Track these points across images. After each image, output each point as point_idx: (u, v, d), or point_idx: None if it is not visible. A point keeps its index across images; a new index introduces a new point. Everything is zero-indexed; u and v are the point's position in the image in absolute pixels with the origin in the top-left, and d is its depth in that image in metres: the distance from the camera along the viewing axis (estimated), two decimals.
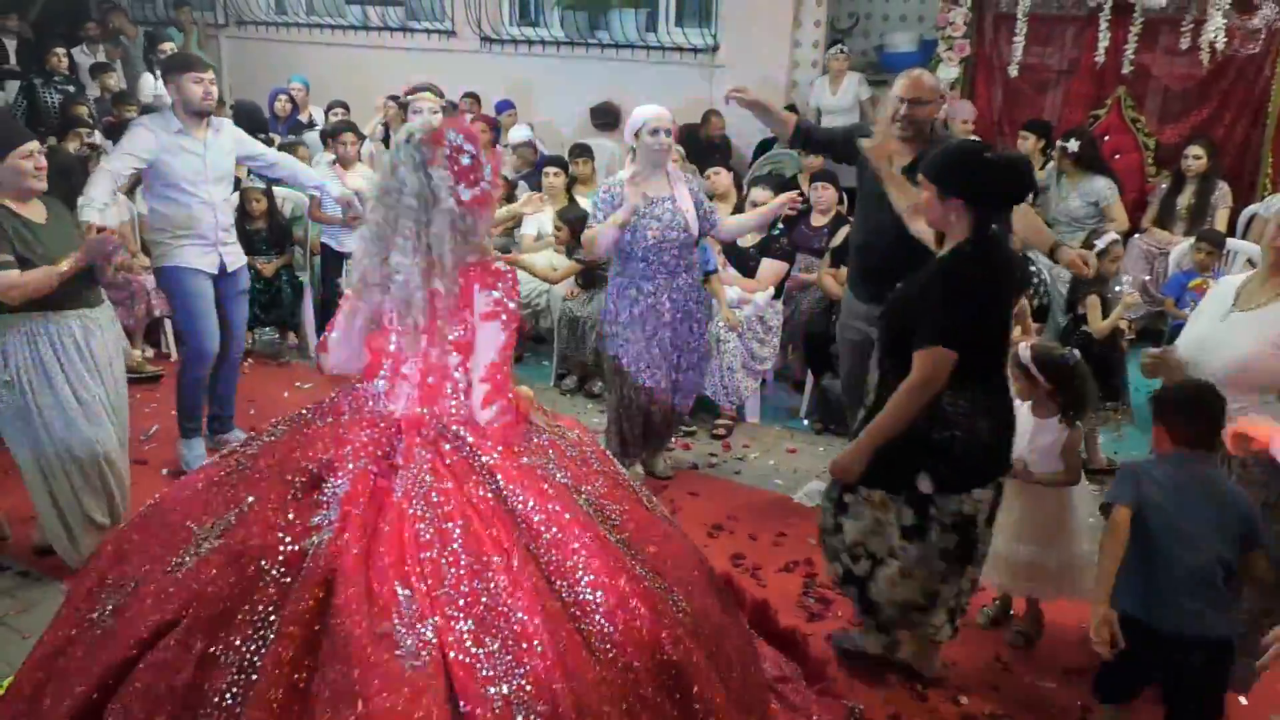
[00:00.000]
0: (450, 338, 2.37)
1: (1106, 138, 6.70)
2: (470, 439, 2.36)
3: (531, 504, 2.27)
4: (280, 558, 2.16)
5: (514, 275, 2.42)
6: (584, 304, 5.65)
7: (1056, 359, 3.30)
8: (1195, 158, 5.99)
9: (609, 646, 2.15)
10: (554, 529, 2.25)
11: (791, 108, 7.45)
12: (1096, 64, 6.66)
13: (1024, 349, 3.34)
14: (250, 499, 2.30)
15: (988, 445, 2.95)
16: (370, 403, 2.48)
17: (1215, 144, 6.15)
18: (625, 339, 4.24)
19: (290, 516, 2.23)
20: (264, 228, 6.06)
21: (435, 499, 2.24)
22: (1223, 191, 6.04)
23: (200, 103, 4.19)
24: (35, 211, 3.48)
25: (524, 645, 2.05)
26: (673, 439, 4.78)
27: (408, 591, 2.09)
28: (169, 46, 8.17)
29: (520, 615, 2.08)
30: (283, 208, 6.31)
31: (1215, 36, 6.17)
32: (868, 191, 3.91)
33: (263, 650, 2.04)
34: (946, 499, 2.91)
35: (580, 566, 2.22)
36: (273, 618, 2.08)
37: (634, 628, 2.18)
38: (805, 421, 5.35)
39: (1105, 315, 4.81)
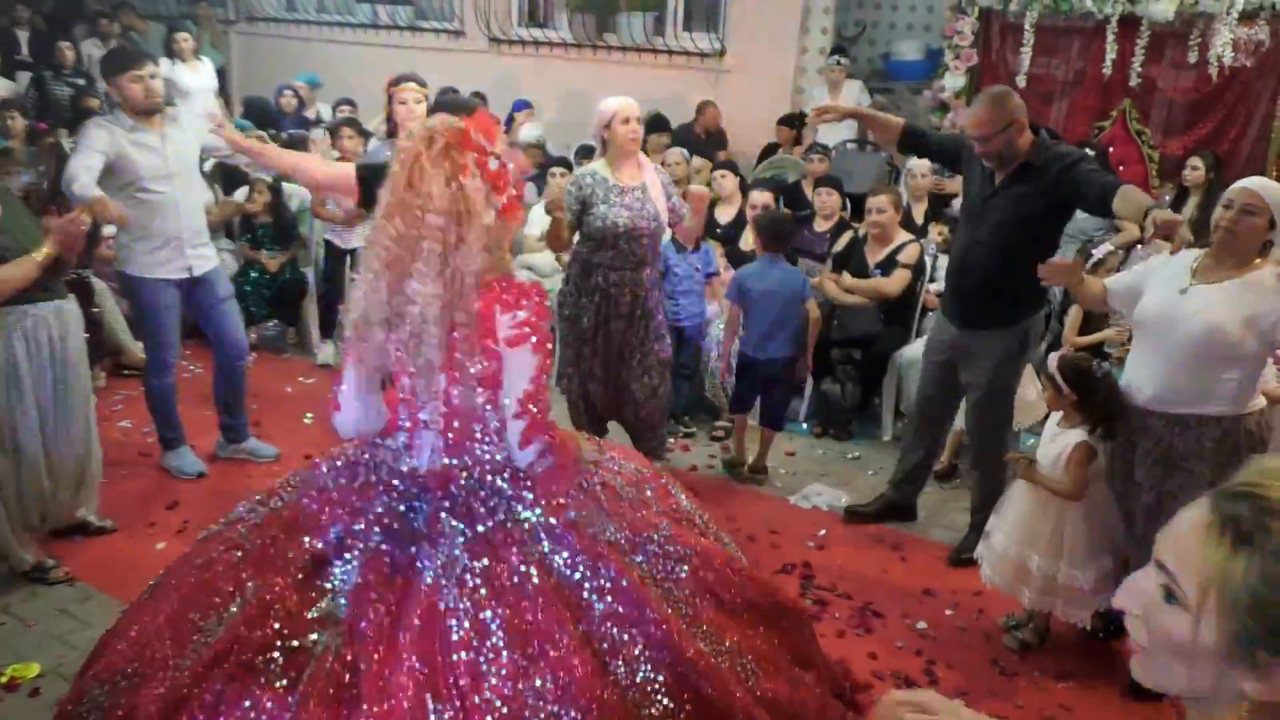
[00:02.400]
0: (473, 371, 1.99)
1: (1111, 149, 6.72)
2: (509, 490, 2.05)
3: (581, 571, 1.98)
4: (278, 655, 1.89)
5: (541, 290, 2.05)
6: None
7: (1082, 370, 3.25)
8: (1194, 169, 6.01)
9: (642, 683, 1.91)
10: (608, 599, 1.96)
11: (790, 119, 7.50)
12: (1103, 76, 6.68)
13: (1052, 358, 3.30)
14: (253, 583, 2.01)
15: None
16: (391, 460, 2.13)
17: (1218, 157, 6.16)
18: (579, 326, 4.15)
19: (291, 607, 1.94)
20: (269, 222, 6.09)
21: (470, 583, 1.93)
22: None
23: (143, 102, 3.95)
24: None
25: None
26: (665, 446, 4.65)
27: (439, 705, 1.80)
28: (184, 36, 8.20)
29: (573, 714, 1.81)
30: (289, 203, 6.34)
31: (1222, 50, 6.18)
32: (969, 207, 3.85)
33: None
34: None
35: (640, 644, 1.95)
36: None
37: (699, 709, 1.94)
38: (804, 425, 5.37)
39: (1096, 325, 4.84)
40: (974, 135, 3.58)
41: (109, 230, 5.56)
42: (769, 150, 7.60)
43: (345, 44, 9.81)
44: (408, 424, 2.12)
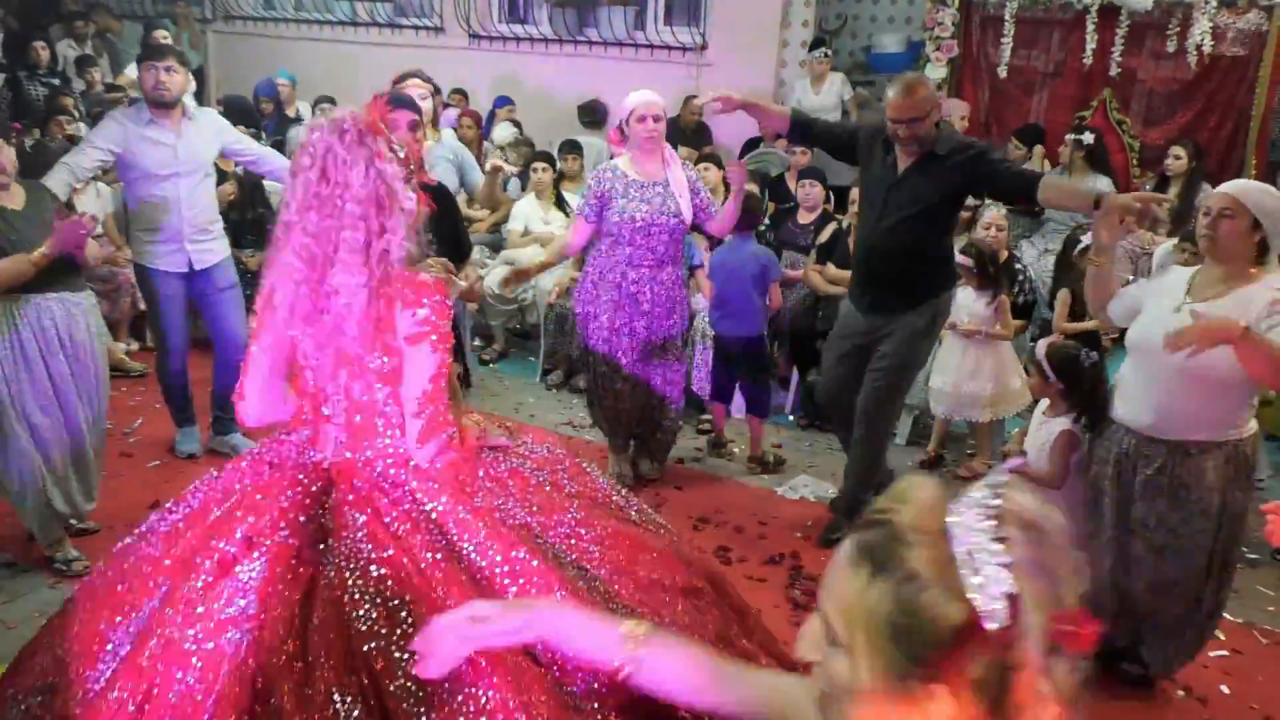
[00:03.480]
0: (372, 366, 2.00)
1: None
2: (413, 483, 2.03)
3: (490, 556, 1.95)
4: (194, 660, 1.83)
5: (443, 289, 2.06)
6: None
7: (1070, 359, 3.23)
8: (1176, 158, 6.04)
9: (594, 704, 1.88)
10: (520, 581, 1.93)
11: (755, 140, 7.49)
12: (1084, 66, 6.71)
13: (1041, 345, 3.30)
14: (163, 588, 1.97)
15: None
16: (295, 454, 2.13)
17: (1199, 145, 6.20)
18: (599, 323, 4.17)
19: (201, 610, 1.88)
20: (249, 219, 6.03)
21: (375, 572, 1.90)
22: (1207, 193, 6.07)
23: (151, 92, 4.07)
24: (13, 199, 3.44)
25: None
26: (671, 443, 4.61)
27: (349, 697, 1.75)
28: (162, 34, 8.14)
29: (490, 693, 1.76)
30: (272, 200, 6.28)
31: (1202, 39, 6.21)
32: (870, 195, 3.85)
33: None
34: None
35: None
36: None
37: (619, 688, 1.88)
38: (790, 417, 5.37)
39: (1080, 313, 4.83)
40: (906, 118, 3.56)
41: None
42: (752, 144, 7.60)
43: (324, 42, 9.75)
44: (310, 417, 2.12)
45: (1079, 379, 3.21)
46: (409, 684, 1.74)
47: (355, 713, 1.73)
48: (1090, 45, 6.61)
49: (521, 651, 1.83)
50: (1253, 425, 2.91)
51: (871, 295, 3.87)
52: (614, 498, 2.35)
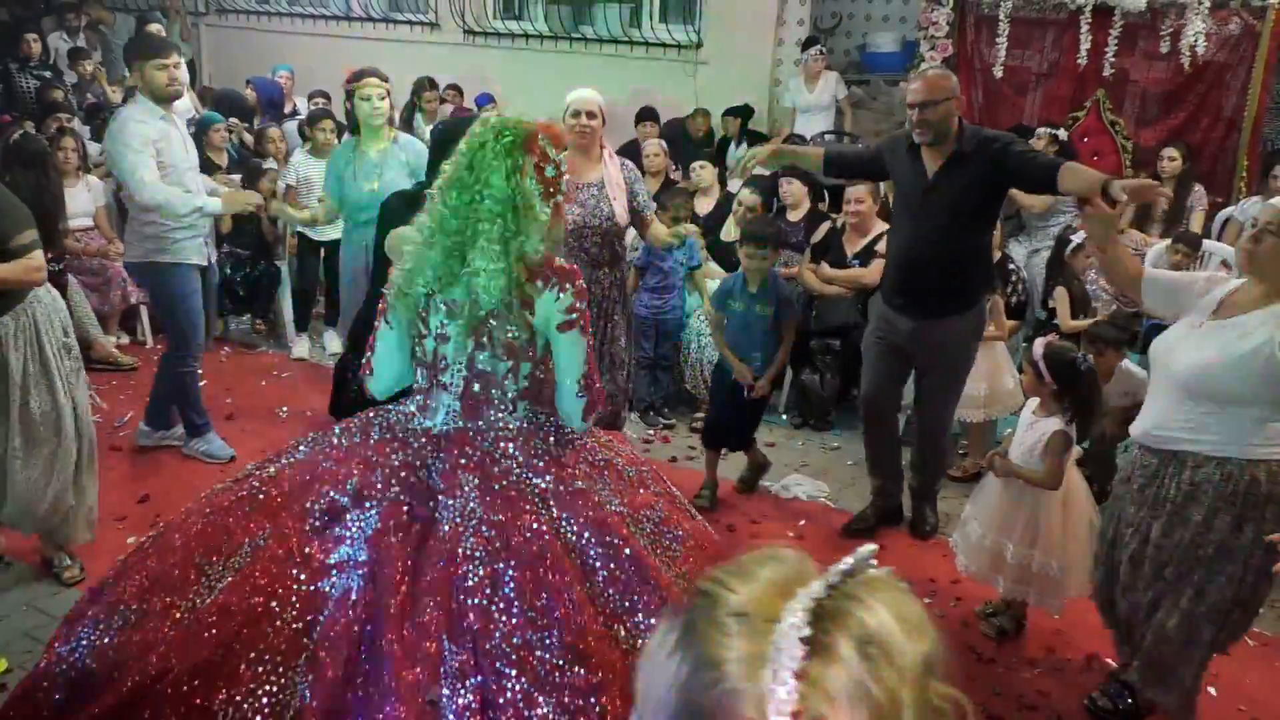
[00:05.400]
0: (503, 339, 2.13)
1: (1085, 139, 6.76)
2: (521, 457, 2.13)
3: (588, 537, 2.03)
4: (294, 599, 1.89)
5: (579, 273, 2.22)
6: None
7: (1067, 361, 3.22)
8: (1170, 159, 6.05)
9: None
10: (612, 566, 2.01)
11: (736, 110, 7.45)
12: (1078, 66, 6.71)
13: (1039, 344, 3.27)
14: (265, 530, 2.03)
15: None
16: (403, 420, 2.22)
17: (1191, 147, 6.22)
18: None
19: (307, 551, 1.96)
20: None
21: (486, 533, 1.98)
22: (1199, 194, 6.10)
23: (165, 89, 4.05)
24: None
25: (579, 703, 1.83)
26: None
27: (454, 647, 1.84)
28: (155, 28, 8.10)
29: (579, 670, 1.84)
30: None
31: (1195, 41, 6.23)
32: (906, 203, 3.84)
33: (268, 712, 1.80)
34: None
35: (640, 607, 1.98)
36: (281, 671, 1.83)
37: None
38: (784, 416, 5.37)
39: (1077, 311, 4.85)
40: (915, 102, 3.59)
41: (75, 223, 5.52)
42: (724, 143, 7.59)
43: (318, 36, 9.72)
44: (426, 385, 2.22)
45: (1075, 383, 3.20)
46: (504, 645, 1.84)
47: (457, 661, 1.82)
48: (1084, 46, 6.61)
49: (605, 630, 1.92)
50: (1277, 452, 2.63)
51: (915, 302, 3.81)
52: (686, 503, 2.45)
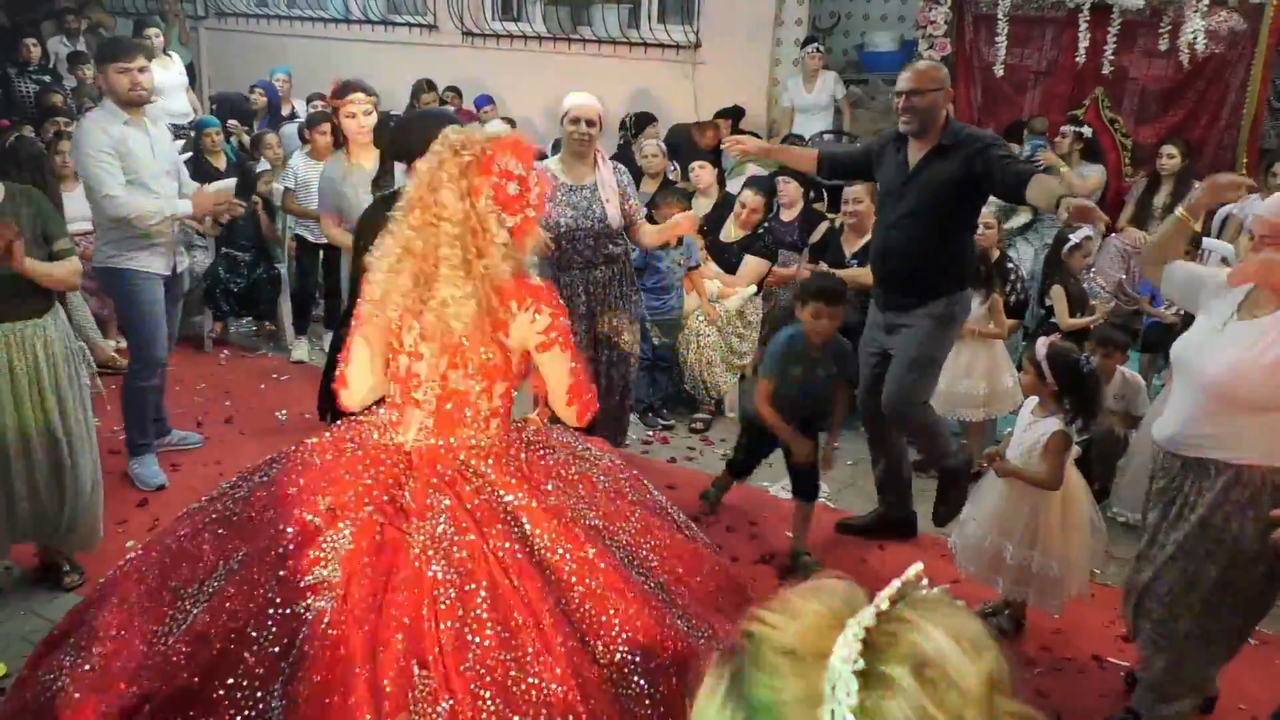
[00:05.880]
0: (477, 360, 2.12)
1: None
2: (492, 475, 2.12)
3: (562, 553, 2.02)
4: (270, 623, 1.89)
5: (553, 290, 2.20)
6: None
7: (1070, 362, 3.20)
8: (1169, 157, 6.04)
9: (649, 711, 1.91)
10: (588, 580, 2.00)
11: (727, 112, 7.43)
12: (1076, 64, 6.71)
13: (1042, 344, 3.26)
14: (240, 553, 2.02)
15: None
16: (375, 434, 2.21)
17: (1190, 144, 6.21)
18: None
19: (282, 574, 1.94)
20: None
21: (457, 554, 1.96)
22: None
23: (126, 93, 3.91)
24: None
25: None
26: (623, 438, 4.50)
27: (424, 671, 1.83)
28: (154, 32, 8.10)
29: (554, 686, 1.83)
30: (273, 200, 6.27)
31: (1194, 38, 6.22)
32: (885, 193, 3.88)
33: None
34: None
35: (617, 623, 1.97)
36: (259, 695, 1.83)
37: (675, 688, 1.96)
38: None
39: (1074, 309, 4.84)
40: (902, 89, 3.61)
41: (74, 227, 5.49)
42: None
43: (317, 39, 9.72)
44: (399, 401, 2.20)
45: (1078, 385, 3.19)
46: (478, 666, 1.83)
47: (429, 684, 1.80)
48: (1083, 44, 6.61)
49: (580, 645, 1.91)
50: None
51: (887, 293, 3.87)
52: (669, 511, 2.42)
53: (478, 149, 2.07)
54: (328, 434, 2.29)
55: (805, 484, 3.89)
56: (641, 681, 1.91)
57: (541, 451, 2.27)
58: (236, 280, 5.98)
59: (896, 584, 0.80)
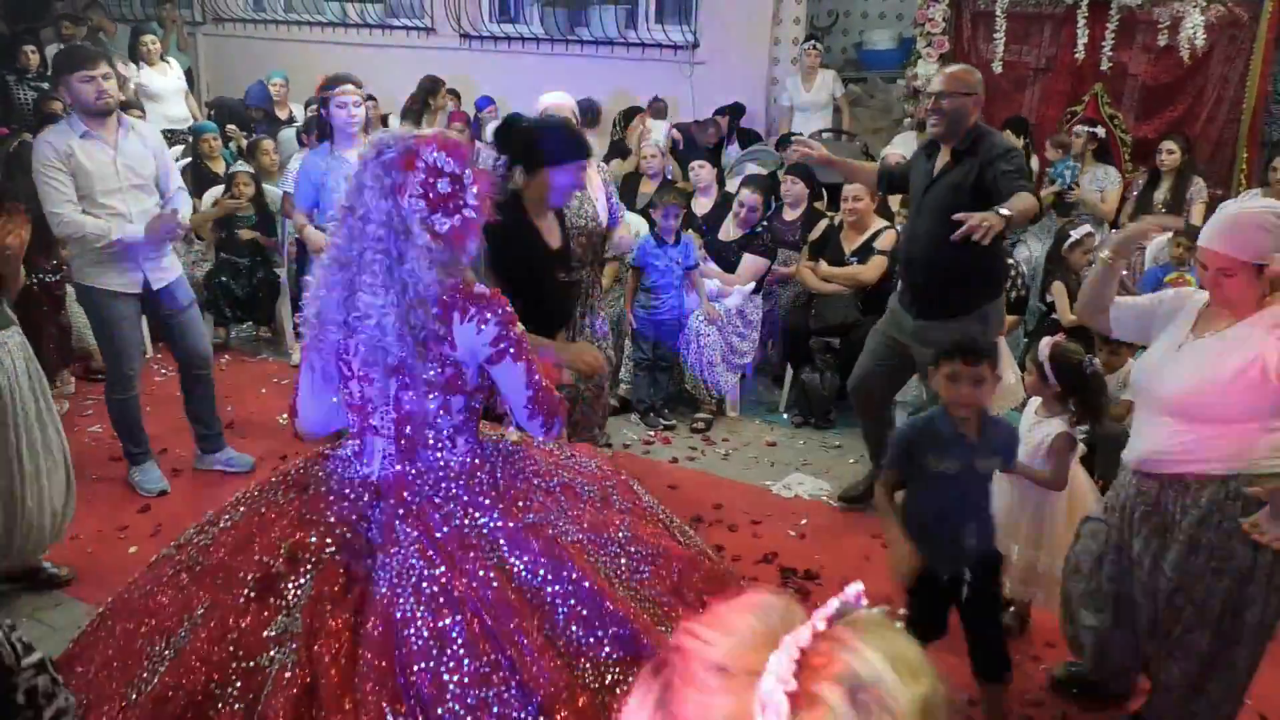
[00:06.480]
0: (424, 378, 1.98)
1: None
2: (465, 497, 2.02)
3: (543, 574, 1.93)
4: (234, 678, 1.81)
5: (502, 299, 2.03)
6: None
7: (1073, 363, 3.17)
8: (1169, 152, 6.03)
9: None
10: (571, 601, 1.92)
11: (725, 110, 7.43)
12: (1075, 60, 6.70)
13: (1045, 345, 3.23)
14: (203, 604, 1.94)
15: None
16: (341, 469, 2.12)
17: (1189, 139, 6.20)
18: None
19: (245, 625, 1.86)
20: (253, 212, 6.00)
21: (427, 591, 1.86)
22: (1199, 186, 6.08)
23: (94, 103, 3.75)
24: None
25: None
26: (601, 431, 4.32)
27: (399, 717, 1.75)
28: (150, 39, 8.11)
29: (541, 718, 1.77)
30: (270, 206, 6.26)
31: (1193, 33, 6.21)
32: (912, 199, 3.89)
33: None
34: None
35: (607, 645, 1.90)
36: None
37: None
38: (785, 415, 5.36)
39: (1074, 306, 4.82)
40: (935, 90, 3.62)
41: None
42: (746, 143, 7.58)
43: (314, 43, 9.72)
44: (358, 429, 2.11)
45: (1082, 387, 3.17)
46: (457, 706, 1.74)
47: None
48: (1081, 40, 6.61)
49: (567, 670, 1.83)
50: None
51: (918, 301, 3.85)
52: (660, 516, 2.34)
53: (401, 145, 1.95)
54: (291, 471, 2.20)
55: (985, 655, 2.86)
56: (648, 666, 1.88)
57: (519, 464, 2.17)
58: (236, 285, 5.98)
59: (834, 603, 0.79)
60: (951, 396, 2.76)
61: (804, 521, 4.21)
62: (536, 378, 2.07)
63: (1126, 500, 2.75)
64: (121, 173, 3.87)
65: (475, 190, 1.98)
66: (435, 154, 1.94)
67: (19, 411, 3.26)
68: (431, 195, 1.93)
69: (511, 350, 2.00)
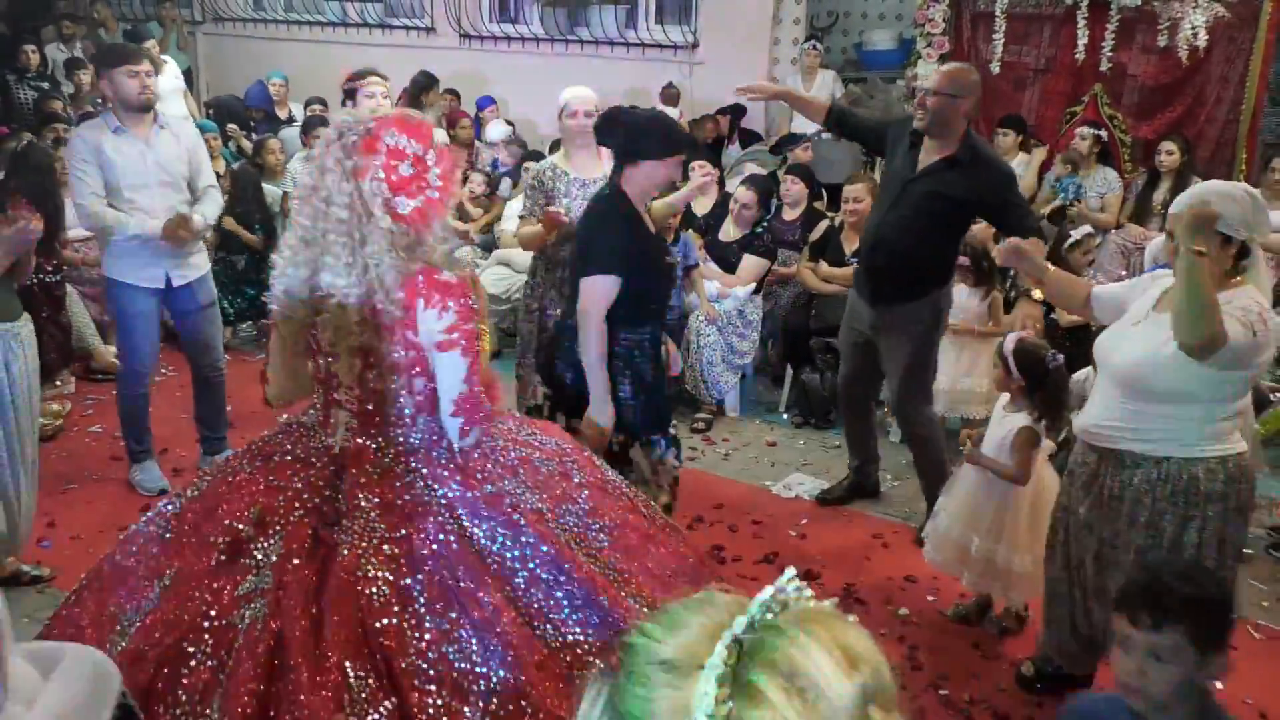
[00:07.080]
0: (388, 359, 2.04)
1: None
2: (424, 470, 2.07)
3: (501, 540, 1.98)
4: (206, 636, 1.85)
5: (465, 287, 2.05)
6: None
7: (1035, 358, 3.21)
8: (1168, 153, 6.04)
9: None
10: (531, 565, 1.97)
11: (727, 109, 7.42)
12: (1075, 61, 6.70)
13: (1010, 340, 3.28)
14: (172, 569, 1.99)
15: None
16: (305, 438, 2.17)
17: (1189, 140, 6.21)
18: (551, 315, 4.01)
19: (215, 586, 1.91)
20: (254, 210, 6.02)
21: (389, 551, 1.93)
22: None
23: (136, 97, 3.86)
24: None
25: (510, 707, 1.79)
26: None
27: (361, 673, 1.78)
28: (151, 41, 8.11)
29: (501, 674, 1.81)
30: (270, 205, 6.27)
31: (1193, 33, 6.22)
32: (887, 186, 3.92)
33: None
34: None
35: (566, 606, 1.95)
36: (199, 711, 1.79)
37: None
38: (785, 415, 5.36)
39: None
40: (929, 87, 3.68)
41: (74, 234, 5.49)
42: (744, 143, 7.59)
43: (314, 43, 9.72)
44: (322, 401, 2.16)
45: (1042, 379, 3.20)
46: (420, 661, 1.79)
47: (368, 686, 1.77)
48: (1081, 40, 6.60)
49: (528, 630, 1.88)
50: (1226, 448, 2.57)
51: (872, 285, 3.91)
52: (623, 489, 2.38)
53: (362, 129, 1.98)
54: (258, 441, 2.25)
55: None
56: (599, 662, 1.90)
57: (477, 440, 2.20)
58: (238, 285, 5.99)
59: (769, 591, 0.79)
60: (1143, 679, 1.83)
61: (804, 521, 4.21)
62: (474, 380, 2.07)
63: (1074, 466, 2.85)
64: (151, 169, 3.93)
65: (438, 170, 2.01)
66: (397, 137, 1.96)
67: (31, 404, 3.30)
68: (393, 178, 1.96)
69: (463, 343, 2.02)
